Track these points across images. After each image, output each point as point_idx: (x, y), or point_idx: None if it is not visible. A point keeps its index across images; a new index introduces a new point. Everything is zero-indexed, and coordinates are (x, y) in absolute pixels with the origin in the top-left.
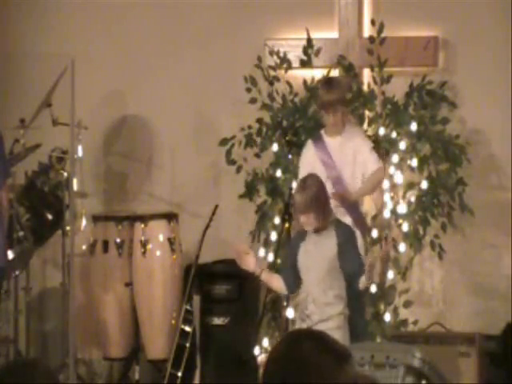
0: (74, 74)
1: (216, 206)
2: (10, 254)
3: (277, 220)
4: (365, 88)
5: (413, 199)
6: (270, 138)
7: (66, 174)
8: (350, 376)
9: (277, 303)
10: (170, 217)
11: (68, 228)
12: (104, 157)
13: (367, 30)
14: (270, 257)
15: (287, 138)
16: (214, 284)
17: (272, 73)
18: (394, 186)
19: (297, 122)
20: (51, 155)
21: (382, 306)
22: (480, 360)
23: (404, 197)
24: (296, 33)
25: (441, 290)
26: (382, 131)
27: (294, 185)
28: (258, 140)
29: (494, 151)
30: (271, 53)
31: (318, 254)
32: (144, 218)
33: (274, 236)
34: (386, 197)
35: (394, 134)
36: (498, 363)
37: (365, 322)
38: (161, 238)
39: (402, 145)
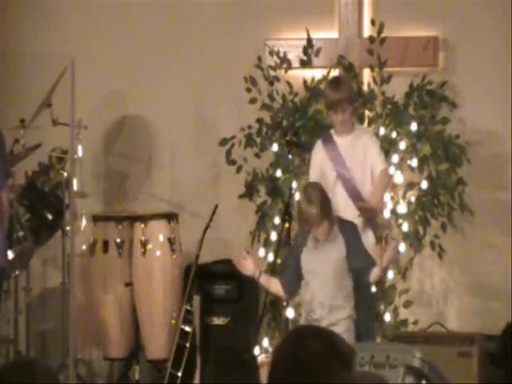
0: (74, 74)
1: (216, 206)
2: (10, 254)
3: (277, 220)
4: (365, 88)
5: (413, 199)
6: (270, 138)
7: (66, 174)
8: (355, 376)
9: (277, 303)
10: (170, 217)
11: (68, 228)
12: (104, 157)
13: (367, 30)
14: (270, 257)
15: (287, 138)
16: (213, 284)
17: (272, 73)
18: (394, 186)
19: (297, 121)
20: (51, 155)
21: (382, 306)
22: (480, 360)
23: (404, 197)
24: (296, 33)
25: (441, 290)
26: (382, 131)
27: (294, 185)
28: (258, 140)
29: (494, 151)
30: (271, 53)
31: (325, 257)
32: (144, 218)
33: (274, 236)
34: (386, 197)
35: (394, 134)
36: (498, 363)
37: (370, 318)
38: (161, 237)
39: (402, 145)
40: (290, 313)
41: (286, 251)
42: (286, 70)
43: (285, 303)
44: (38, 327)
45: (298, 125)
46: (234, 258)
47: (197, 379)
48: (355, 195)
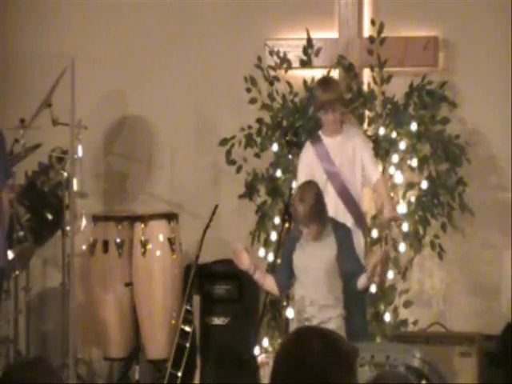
0: (74, 74)
1: (216, 206)
2: (10, 254)
3: (277, 220)
4: (365, 88)
5: (413, 199)
6: (269, 138)
7: (66, 174)
8: (378, 375)
9: (277, 303)
10: (170, 217)
11: (68, 228)
12: (104, 157)
13: (367, 30)
14: (270, 257)
15: (287, 138)
16: (214, 284)
17: (272, 73)
18: (394, 186)
19: (297, 121)
20: (51, 155)
21: (382, 306)
22: (480, 360)
23: (404, 197)
24: (296, 33)
25: (441, 290)
26: (381, 131)
27: (294, 185)
28: (258, 140)
29: (494, 151)
30: (271, 53)
31: (317, 256)
32: (144, 218)
33: (274, 236)
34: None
35: (394, 134)
36: (497, 363)
37: (364, 321)
38: (161, 237)
39: (402, 145)
40: (289, 313)
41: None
42: (286, 70)
43: (285, 303)
44: (38, 327)
45: (298, 125)
46: (232, 252)
47: (197, 379)
48: (345, 195)
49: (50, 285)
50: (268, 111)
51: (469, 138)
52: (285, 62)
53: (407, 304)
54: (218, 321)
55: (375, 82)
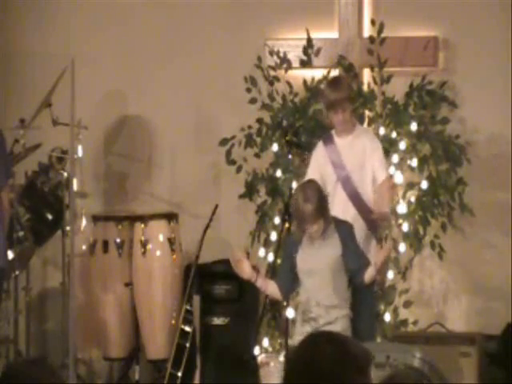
0: (74, 74)
1: (216, 206)
2: (10, 254)
3: (277, 220)
4: (365, 88)
5: (413, 199)
6: (269, 138)
7: (66, 174)
8: (391, 375)
9: (277, 303)
10: (170, 217)
11: (68, 228)
12: (104, 157)
13: (367, 30)
14: (270, 257)
15: (287, 138)
16: (214, 284)
17: (272, 73)
18: (394, 186)
19: (297, 121)
20: (51, 155)
21: (382, 306)
22: (480, 360)
23: (404, 197)
24: (296, 33)
25: (441, 290)
26: (382, 131)
27: (294, 185)
28: (258, 140)
29: (494, 151)
30: (271, 53)
31: (321, 256)
32: (144, 218)
33: (274, 236)
34: None
35: (394, 134)
36: (498, 363)
37: (372, 322)
38: (161, 237)
39: (402, 145)
40: (289, 313)
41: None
42: (286, 70)
43: (285, 303)
44: (38, 327)
45: (298, 125)
46: (231, 259)
47: (197, 379)
48: (357, 199)
49: (50, 285)
50: (268, 111)
51: (469, 138)
52: (285, 62)
53: (407, 304)
54: (217, 321)
55: (375, 82)
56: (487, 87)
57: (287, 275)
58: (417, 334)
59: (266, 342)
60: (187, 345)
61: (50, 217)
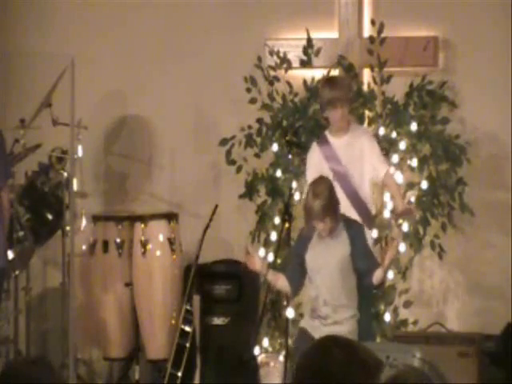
0: (73, 74)
1: (216, 206)
2: (10, 254)
3: (277, 220)
4: (365, 88)
5: (413, 199)
6: (270, 138)
7: (66, 174)
8: (399, 373)
9: (277, 303)
10: (170, 217)
11: (68, 228)
12: (104, 157)
13: (367, 30)
14: (270, 257)
15: (287, 138)
16: (214, 284)
17: (272, 73)
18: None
19: (297, 122)
20: (51, 155)
21: (382, 306)
22: (480, 360)
23: (404, 197)
24: (296, 33)
25: (441, 290)
26: (381, 131)
27: (294, 185)
28: (258, 140)
29: (494, 151)
30: (271, 53)
31: (330, 255)
32: (144, 218)
33: (274, 236)
34: (386, 197)
35: (394, 134)
36: (498, 363)
37: (369, 322)
38: (161, 237)
39: (402, 145)
40: (290, 313)
41: (286, 251)
42: (286, 70)
43: (285, 303)
44: (38, 327)
45: (298, 125)
46: (244, 252)
47: (197, 379)
48: (353, 196)
49: (50, 285)
50: (268, 111)
51: (469, 138)
52: (285, 62)
53: (407, 304)
54: (217, 321)
55: (375, 82)
56: (487, 87)
57: (297, 270)
58: (417, 334)
59: (266, 341)
60: (187, 345)
61: (49, 217)
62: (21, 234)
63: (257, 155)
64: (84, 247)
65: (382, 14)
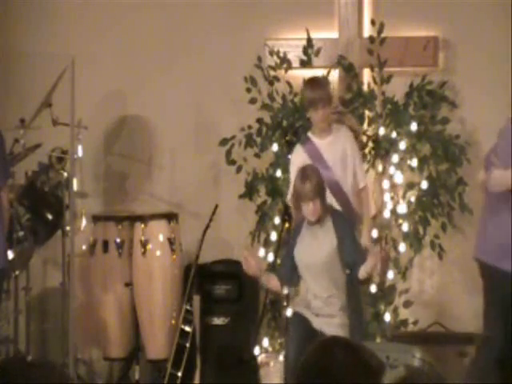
0: (74, 74)
1: (216, 206)
2: (10, 254)
3: (277, 220)
4: (365, 88)
5: (413, 199)
6: (270, 138)
7: (66, 174)
8: (411, 374)
9: (277, 303)
10: (170, 217)
11: (68, 228)
12: (104, 157)
13: (367, 30)
14: (270, 257)
15: (287, 138)
16: (214, 284)
17: (272, 73)
18: (393, 186)
19: (297, 122)
20: (51, 155)
21: (382, 306)
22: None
23: (404, 197)
24: (296, 33)
25: (441, 290)
26: (381, 131)
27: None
28: (258, 140)
29: None
30: (271, 53)
31: (316, 249)
32: (144, 218)
33: (274, 236)
34: (386, 197)
35: (394, 134)
36: (497, 363)
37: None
38: (161, 238)
39: (402, 145)
40: (290, 313)
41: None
42: (286, 70)
43: (285, 303)
44: (38, 327)
45: (298, 125)
46: (242, 256)
47: (197, 379)
48: (339, 194)
49: (50, 285)
50: (268, 111)
51: (469, 138)
52: (285, 62)
53: (407, 304)
54: (217, 321)
55: (375, 82)
56: (487, 87)
57: (287, 266)
58: (417, 334)
59: (265, 341)
60: (187, 345)
61: (49, 217)
62: (21, 234)
63: (257, 155)
64: (84, 247)
65: (382, 14)
